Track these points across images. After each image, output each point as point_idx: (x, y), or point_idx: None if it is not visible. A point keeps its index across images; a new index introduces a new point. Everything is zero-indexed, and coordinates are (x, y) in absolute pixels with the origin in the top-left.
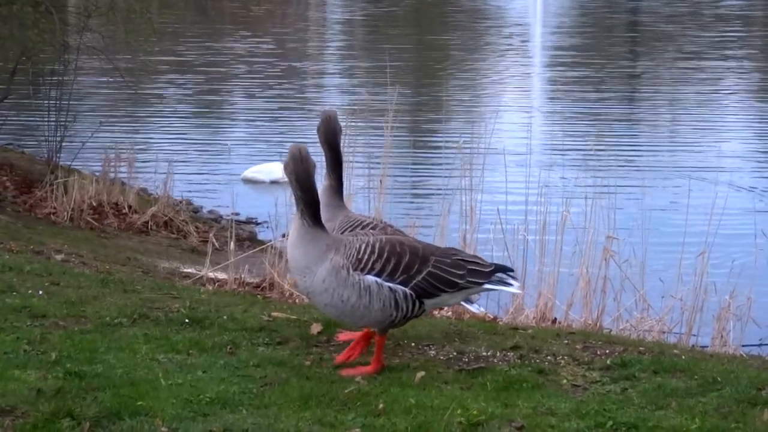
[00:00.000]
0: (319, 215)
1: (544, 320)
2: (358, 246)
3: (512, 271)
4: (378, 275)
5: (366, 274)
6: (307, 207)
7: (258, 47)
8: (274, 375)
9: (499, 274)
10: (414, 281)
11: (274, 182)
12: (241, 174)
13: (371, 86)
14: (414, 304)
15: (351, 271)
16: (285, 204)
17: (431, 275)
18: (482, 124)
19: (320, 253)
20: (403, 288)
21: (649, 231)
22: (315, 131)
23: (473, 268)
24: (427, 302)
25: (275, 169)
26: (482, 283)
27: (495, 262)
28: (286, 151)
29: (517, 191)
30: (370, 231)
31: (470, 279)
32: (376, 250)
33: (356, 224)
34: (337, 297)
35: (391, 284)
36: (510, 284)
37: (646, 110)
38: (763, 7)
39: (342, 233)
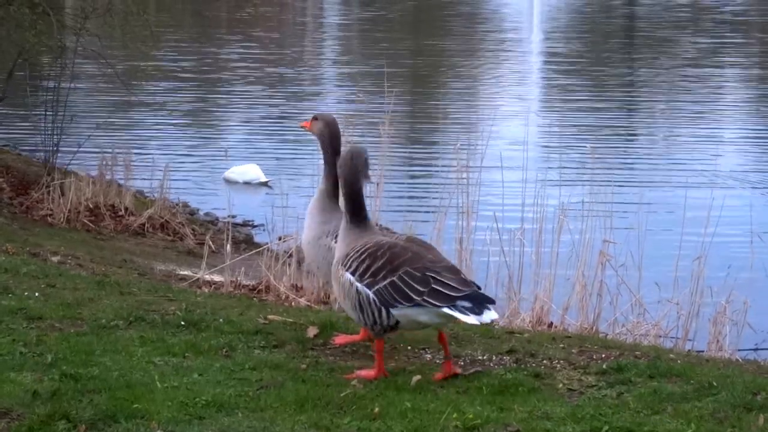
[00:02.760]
0: (364, 211)
1: (540, 324)
2: (354, 245)
3: (491, 302)
4: (352, 274)
5: (346, 271)
6: (348, 203)
7: (254, 52)
8: (270, 378)
9: (464, 303)
10: (376, 287)
11: (246, 183)
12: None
13: (368, 92)
14: (380, 312)
15: (339, 266)
16: (281, 207)
17: (392, 284)
18: (479, 127)
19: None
20: (366, 291)
21: (645, 235)
22: (317, 136)
23: (438, 288)
24: (394, 312)
25: (249, 171)
26: (440, 306)
27: (482, 292)
28: (276, 157)
29: (513, 196)
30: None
31: (427, 298)
32: (359, 250)
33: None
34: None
35: (358, 285)
36: (470, 314)
37: (642, 116)
38: (759, 12)
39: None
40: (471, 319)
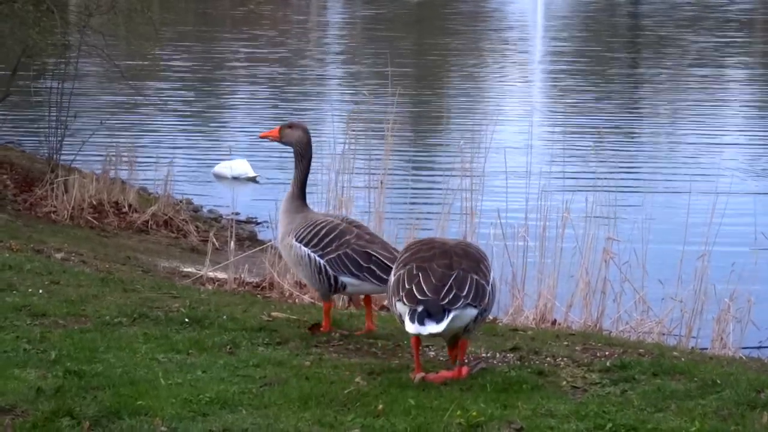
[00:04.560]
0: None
1: (543, 321)
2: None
3: (435, 318)
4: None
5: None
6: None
7: (258, 50)
8: (274, 375)
9: (419, 307)
10: (398, 272)
11: (235, 178)
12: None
13: (371, 92)
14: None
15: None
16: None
17: (405, 274)
18: (483, 126)
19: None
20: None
21: (649, 233)
22: (294, 143)
23: (412, 288)
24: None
25: (238, 166)
26: (404, 304)
27: (443, 304)
28: (280, 155)
29: (517, 193)
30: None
31: (402, 294)
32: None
33: (312, 223)
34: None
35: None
36: (415, 321)
37: (647, 115)
38: (766, 10)
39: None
40: (412, 327)
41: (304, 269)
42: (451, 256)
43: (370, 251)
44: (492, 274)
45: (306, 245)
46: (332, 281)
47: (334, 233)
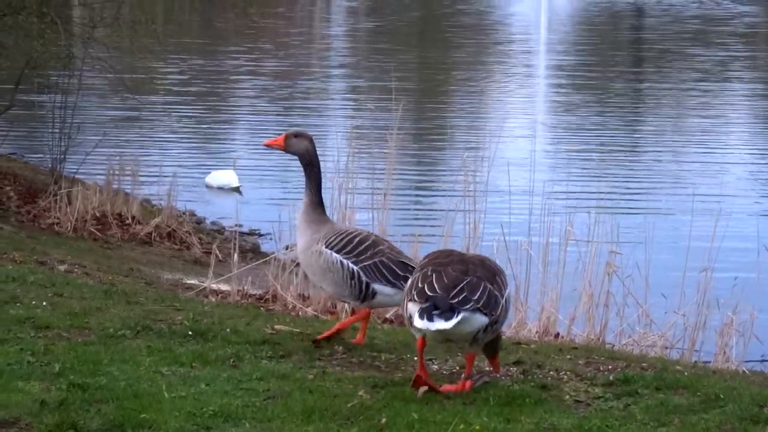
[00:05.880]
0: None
1: (546, 335)
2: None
3: (444, 315)
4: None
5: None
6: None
7: (261, 63)
8: (277, 388)
9: (426, 304)
10: (415, 274)
11: (220, 188)
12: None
13: (374, 104)
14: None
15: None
16: (288, 217)
17: (420, 277)
18: (486, 140)
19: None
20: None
21: (652, 246)
22: (301, 153)
23: (423, 287)
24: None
25: (223, 176)
26: (415, 302)
27: (453, 302)
28: (285, 168)
29: (520, 207)
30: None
31: (414, 293)
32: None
33: (343, 232)
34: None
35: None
36: (424, 317)
37: (650, 130)
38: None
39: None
40: (420, 323)
41: (335, 275)
42: (467, 263)
43: (405, 261)
44: (507, 290)
45: (338, 252)
46: (363, 288)
47: (368, 242)
